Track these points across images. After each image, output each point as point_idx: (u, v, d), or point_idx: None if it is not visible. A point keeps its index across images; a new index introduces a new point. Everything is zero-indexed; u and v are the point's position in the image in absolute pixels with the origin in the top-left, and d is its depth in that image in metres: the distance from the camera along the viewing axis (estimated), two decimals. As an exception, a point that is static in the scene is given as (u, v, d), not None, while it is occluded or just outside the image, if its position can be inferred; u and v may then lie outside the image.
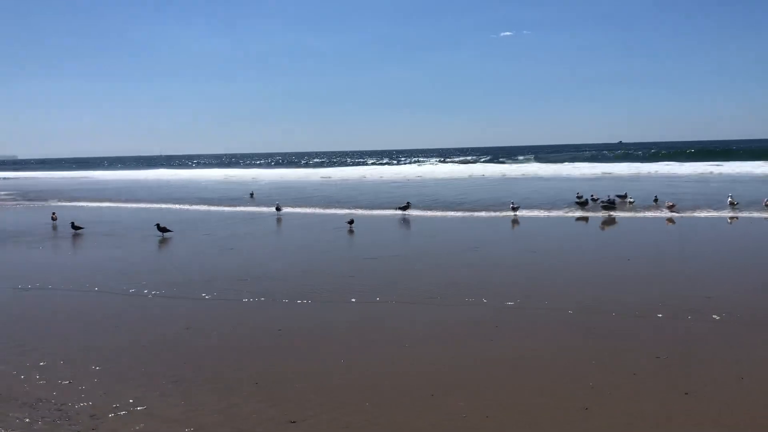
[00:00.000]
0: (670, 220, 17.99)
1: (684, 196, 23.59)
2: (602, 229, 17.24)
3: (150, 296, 10.02)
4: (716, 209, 19.54)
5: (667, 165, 50.17)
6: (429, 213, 21.49)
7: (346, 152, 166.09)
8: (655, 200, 21.94)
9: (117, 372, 6.62)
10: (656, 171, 44.94)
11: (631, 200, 22.13)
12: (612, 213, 19.70)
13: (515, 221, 18.73)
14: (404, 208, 21.33)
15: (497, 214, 20.37)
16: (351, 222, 18.23)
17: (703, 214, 18.79)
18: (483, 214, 20.61)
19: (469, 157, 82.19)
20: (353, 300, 9.41)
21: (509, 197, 24.31)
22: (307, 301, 9.39)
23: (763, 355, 6.59)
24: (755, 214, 18.22)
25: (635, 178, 39.18)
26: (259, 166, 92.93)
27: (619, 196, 22.38)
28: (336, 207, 24.43)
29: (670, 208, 19.65)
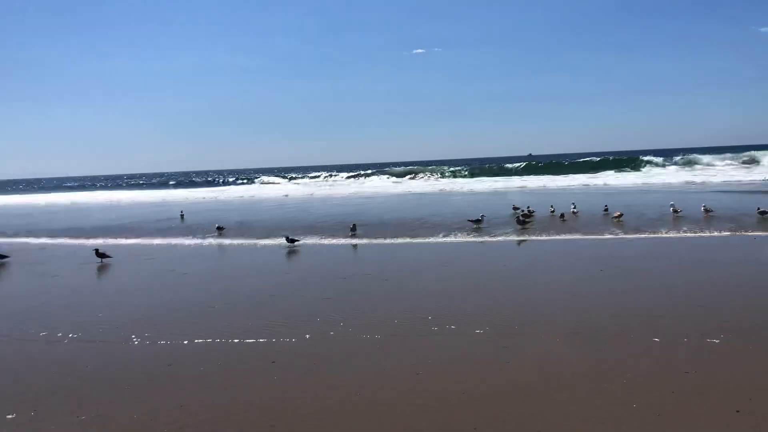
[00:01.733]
0: (618, 226, 18.28)
1: (625, 208, 24.22)
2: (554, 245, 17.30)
3: (104, 334, 9.06)
4: (662, 218, 20.02)
5: (592, 177, 52.53)
6: (375, 241, 21.02)
7: (261, 169, 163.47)
8: (605, 210, 22.57)
9: (105, 422, 5.78)
10: (583, 182, 46.91)
11: (576, 210, 22.70)
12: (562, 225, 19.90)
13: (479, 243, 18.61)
14: (353, 229, 20.06)
15: (423, 239, 20.19)
16: (291, 241, 17.11)
17: (658, 233, 19.20)
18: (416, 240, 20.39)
19: (375, 171, 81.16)
20: (307, 334, 8.84)
21: (421, 214, 24.27)
22: (292, 335, 8.74)
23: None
24: (709, 230, 18.82)
25: (562, 191, 40.36)
26: (172, 186, 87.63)
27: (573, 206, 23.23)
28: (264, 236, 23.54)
29: (618, 218, 20.17)
